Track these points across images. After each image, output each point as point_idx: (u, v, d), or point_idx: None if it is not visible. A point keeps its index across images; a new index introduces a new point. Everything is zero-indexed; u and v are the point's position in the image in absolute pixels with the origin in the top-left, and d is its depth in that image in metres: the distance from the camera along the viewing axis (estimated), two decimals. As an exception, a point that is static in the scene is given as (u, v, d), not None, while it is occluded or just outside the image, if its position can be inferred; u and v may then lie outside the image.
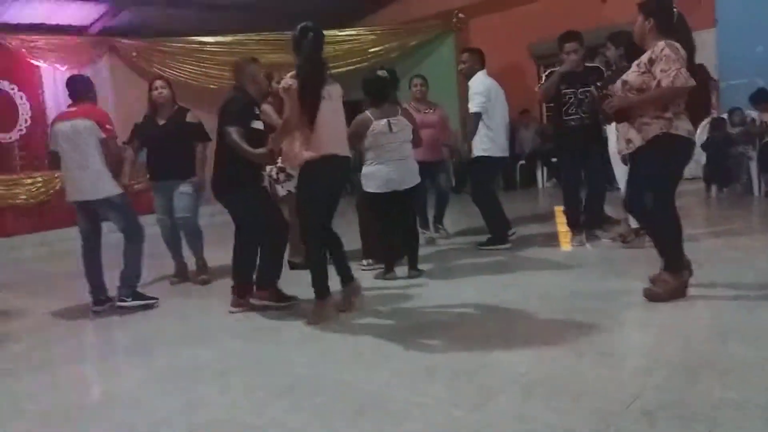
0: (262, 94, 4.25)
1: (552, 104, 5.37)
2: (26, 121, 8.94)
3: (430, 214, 6.01)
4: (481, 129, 5.15)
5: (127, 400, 2.83)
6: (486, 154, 5.18)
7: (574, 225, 5.21)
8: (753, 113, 7.11)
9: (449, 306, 3.76)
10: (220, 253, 5.39)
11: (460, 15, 10.76)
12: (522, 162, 10.01)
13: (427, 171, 5.64)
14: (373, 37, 10.82)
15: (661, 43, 3.28)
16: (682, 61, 3.24)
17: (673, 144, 3.32)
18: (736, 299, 3.35)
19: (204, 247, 5.16)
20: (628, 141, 3.46)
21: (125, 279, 4.33)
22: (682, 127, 3.32)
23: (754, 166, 6.89)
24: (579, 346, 2.86)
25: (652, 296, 3.37)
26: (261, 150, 3.77)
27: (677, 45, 3.28)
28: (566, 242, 5.26)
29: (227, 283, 4.17)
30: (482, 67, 5.28)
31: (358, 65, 9.90)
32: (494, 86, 5.24)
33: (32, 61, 8.88)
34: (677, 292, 3.35)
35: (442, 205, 6.05)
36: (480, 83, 5.16)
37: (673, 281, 3.36)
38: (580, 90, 4.84)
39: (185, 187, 4.93)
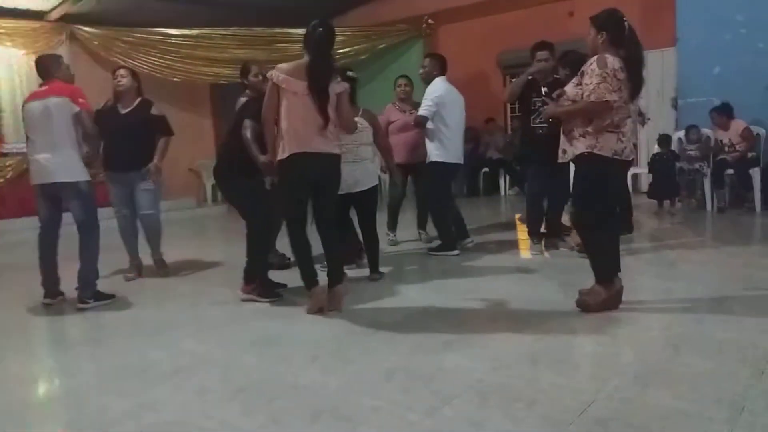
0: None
1: (519, 113, 5.44)
2: (-22, 106, 8.62)
3: (402, 218, 6.01)
4: (436, 134, 5.17)
5: (75, 399, 2.73)
6: (439, 160, 5.19)
7: (534, 233, 5.27)
8: (708, 131, 7.34)
9: (407, 310, 3.76)
10: (176, 249, 5.31)
11: (430, 21, 10.82)
12: (485, 170, 10.11)
13: (410, 173, 5.63)
14: (342, 38, 10.76)
15: (595, 57, 3.32)
16: (609, 75, 3.23)
17: (596, 164, 3.34)
18: (688, 311, 3.44)
19: (161, 243, 5.05)
20: (563, 151, 3.54)
21: (85, 280, 4.14)
22: (607, 146, 3.31)
23: (707, 183, 7.10)
24: (534, 353, 2.90)
25: (582, 306, 3.44)
26: (263, 158, 3.78)
27: (609, 59, 3.26)
28: (525, 250, 5.33)
29: (181, 279, 4.08)
30: (441, 74, 5.27)
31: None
32: (450, 92, 5.23)
33: (-13, 45, 8.57)
34: (607, 303, 3.41)
35: (423, 209, 5.98)
36: (434, 90, 5.17)
37: (603, 292, 3.42)
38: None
39: (147, 184, 4.81)
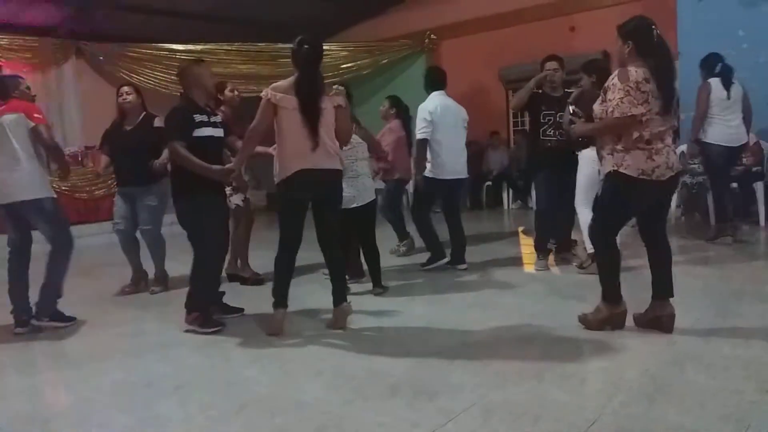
0: (210, 97, 4.09)
1: (529, 125, 5.45)
2: (-17, 121, 8.67)
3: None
4: (429, 150, 5.16)
5: (78, 415, 2.73)
6: (430, 176, 5.19)
7: (540, 249, 5.24)
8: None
9: (411, 325, 3.75)
10: (180, 263, 5.30)
11: (433, 36, 10.90)
12: (488, 183, 10.13)
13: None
14: (345, 53, 10.87)
15: (617, 71, 3.22)
16: (632, 88, 3.10)
17: (620, 183, 3.22)
18: (693, 327, 3.41)
19: (165, 258, 5.07)
20: (599, 172, 3.49)
21: (46, 296, 4.02)
22: (633, 165, 3.16)
23: (711, 197, 7.08)
24: (539, 369, 2.88)
25: (583, 322, 3.43)
26: (218, 167, 3.69)
27: (632, 72, 3.14)
28: (530, 265, 5.31)
29: (185, 293, 4.04)
30: (436, 89, 5.25)
31: (329, 80, 9.87)
32: (443, 106, 5.19)
33: (-6, 61, 8.64)
34: (608, 323, 3.35)
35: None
36: (424, 107, 5.17)
37: (605, 311, 3.37)
38: (559, 113, 4.84)
39: (150, 199, 4.85)
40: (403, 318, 3.91)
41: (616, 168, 3.22)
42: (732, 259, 5.31)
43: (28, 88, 4.25)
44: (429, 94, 5.30)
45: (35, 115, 3.96)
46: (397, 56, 11.10)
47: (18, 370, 3.41)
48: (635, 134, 3.16)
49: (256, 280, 5.02)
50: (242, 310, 4.13)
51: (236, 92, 5.09)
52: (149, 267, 5.14)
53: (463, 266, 5.25)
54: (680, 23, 7.77)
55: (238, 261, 5.17)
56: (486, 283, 4.80)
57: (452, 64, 10.65)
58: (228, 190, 4.77)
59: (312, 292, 4.50)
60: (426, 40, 10.93)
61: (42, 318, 4.03)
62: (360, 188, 4.45)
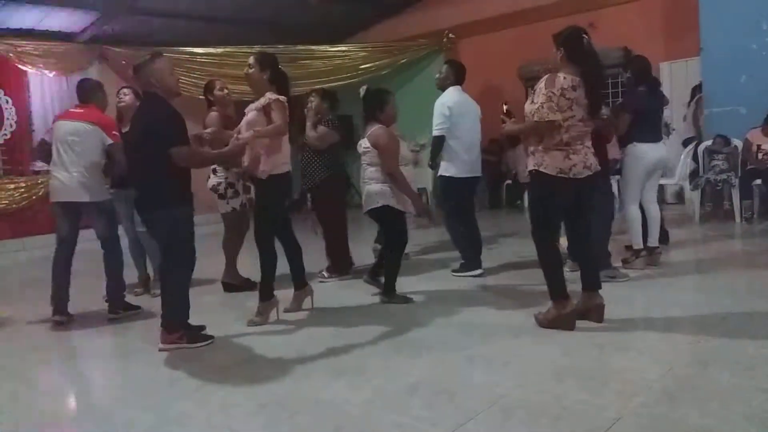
0: (173, 95, 3.61)
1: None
2: (11, 125, 8.84)
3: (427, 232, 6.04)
4: (445, 148, 4.95)
5: (102, 412, 2.78)
6: (447, 174, 4.99)
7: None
8: (737, 141, 7.22)
9: (431, 325, 3.75)
10: (201, 262, 5.36)
11: (451, 35, 10.87)
12: (508, 182, 10.07)
13: None
14: (364, 53, 10.88)
15: (546, 76, 3.36)
16: (554, 95, 3.27)
17: (540, 181, 3.41)
18: (717, 325, 3.37)
19: None
20: (527, 166, 3.61)
21: (113, 293, 4.37)
22: (552, 164, 3.35)
23: (736, 193, 6.98)
24: (559, 368, 2.87)
25: (537, 320, 3.54)
26: (227, 148, 3.73)
27: (559, 79, 3.30)
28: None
29: (205, 292, 4.11)
30: (456, 83, 5.08)
31: (348, 81, 9.94)
32: (461, 103, 5.01)
33: (20, 66, 8.80)
34: (558, 323, 3.42)
35: None
36: (443, 102, 4.96)
37: (553, 311, 3.47)
38: None
39: None
40: (422, 318, 3.91)
41: (537, 168, 3.41)
42: (757, 256, 5.23)
43: (105, 94, 4.47)
44: (443, 89, 5.09)
45: (113, 133, 4.27)
46: (415, 56, 11.08)
47: (43, 370, 3.49)
48: (556, 138, 3.34)
49: (250, 285, 4.87)
50: (204, 327, 3.77)
51: (226, 91, 5.03)
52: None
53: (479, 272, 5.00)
54: (703, 17, 7.64)
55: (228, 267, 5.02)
56: (505, 283, 4.77)
57: (471, 62, 10.50)
58: (230, 191, 4.79)
59: (324, 292, 4.52)
60: (444, 39, 10.90)
61: (117, 311, 4.34)
62: (367, 194, 4.33)
